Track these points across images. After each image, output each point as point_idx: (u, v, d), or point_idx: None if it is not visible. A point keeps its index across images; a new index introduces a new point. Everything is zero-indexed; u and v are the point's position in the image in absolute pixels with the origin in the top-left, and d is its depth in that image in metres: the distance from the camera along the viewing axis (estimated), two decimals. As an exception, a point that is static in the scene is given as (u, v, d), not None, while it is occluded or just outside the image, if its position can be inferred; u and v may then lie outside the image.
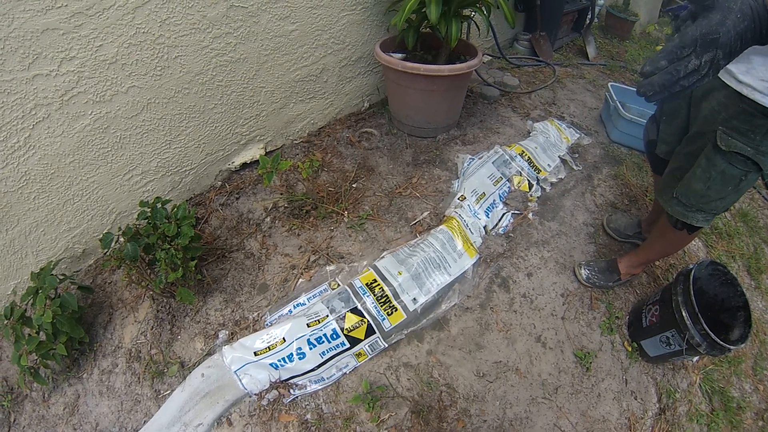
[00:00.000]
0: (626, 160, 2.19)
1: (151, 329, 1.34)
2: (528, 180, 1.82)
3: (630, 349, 1.41)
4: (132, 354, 1.31)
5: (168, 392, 1.24)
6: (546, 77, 2.83)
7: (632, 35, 4.03)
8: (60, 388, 1.27)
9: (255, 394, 1.23)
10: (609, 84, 2.39)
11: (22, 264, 1.34)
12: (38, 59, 1.11)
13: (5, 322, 1.17)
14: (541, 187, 1.84)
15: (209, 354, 1.29)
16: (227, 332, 1.33)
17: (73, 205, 1.36)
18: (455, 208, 1.60)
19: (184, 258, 1.24)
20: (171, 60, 1.34)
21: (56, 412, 1.24)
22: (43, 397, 1.26)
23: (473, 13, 1.95)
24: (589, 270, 1.53)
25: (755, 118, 0.90)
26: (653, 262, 1.63)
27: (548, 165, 1.91)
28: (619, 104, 2.19)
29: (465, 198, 1.62)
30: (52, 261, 1.29)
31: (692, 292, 1.17)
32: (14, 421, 1.24)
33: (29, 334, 1.19)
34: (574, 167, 2.01)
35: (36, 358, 1.20)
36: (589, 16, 3.37)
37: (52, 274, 1.23)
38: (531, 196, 1.77)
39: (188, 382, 1.23)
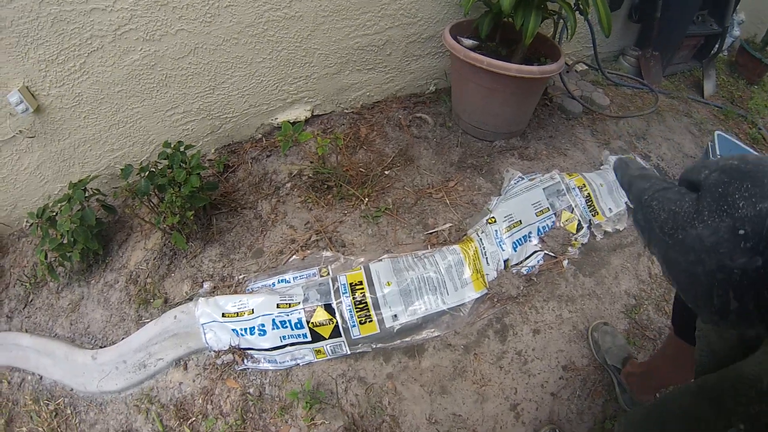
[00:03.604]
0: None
1: (153, 259, 1.30)
2: (579, 219, 1.40)
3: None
4: (132, 276, 1.28)
5: (148, 320, 1.20)
6: (645, 105, 2.20)
7: (764, 81, 2.97)
8: (71, 286, 1.30)
9: (214, 351, 1.14)
10: (716, 133, 1.75)
11: (69, 171, 1.37)
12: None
13: (36, 220, 1.18)
14: (592, 232, 1.41)
15: (191, 299, 1.21)
16: (211, 285, 1.23)
17: (117, 130, 1.33)
18: (479, 229, 1.28)
19: (183, 206, 1.13)
20: (222, 8, 1.20)
21: (62, 305, 1.27)
22: (57, 290, 1.31)
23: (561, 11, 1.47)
24: (605, 332, 1.14)
25: None
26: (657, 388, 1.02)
27: (609, 209, 1.45)
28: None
29: (494, 221, 1.29)
30: (91, 174, 1.28)
31: None
32: (30, 300, 1.31)
33: (54, 236, 1.19)
34: (643, 220, 1.50)
35: (55, 256, 1.21)
36: (716, 46, 2.51)
37: (83, 189, 1.21)
38: (575, 240, 1.36)
39: (163, 318, 1.18)
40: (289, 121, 1.65)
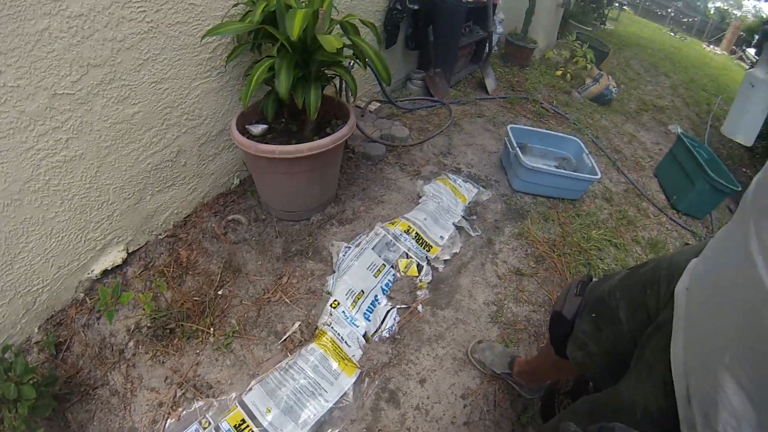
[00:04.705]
0: (531, 212, 2.50)
1: None
2: (417, 261, 2.01)
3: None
4: None
5: None
6: (441, 120, 3.16)
7: (532, 62, 4.63)
8: None
9: None
10: (508, 127, 2.74)
11: None
12: None
13: None
14: (433, 267, 2.03)
15: None
16: None
17: None
18: (328, 319, 1.73)
19: (30, 426, 1.26)
20: (-12, 171, 1.40)
21: None
22: None
23: (352, 63, 2.09)
24: (482, 349, 1.73)
25: None
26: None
27: (441, 237, 2.13)
28: (519, 152, 2.52)
29: (338, 304, 1.76)
30: None
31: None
32: None
33: None
34: (472, 233, 2.25)
35: None
36: (487, 48, 3.83)
37: None
38: (420, 281, 1.96)
39: None
40: (107, 269, 1.88)
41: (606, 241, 2.59)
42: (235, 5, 1.90)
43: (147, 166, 1.89)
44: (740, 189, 3.02)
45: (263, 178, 2.07)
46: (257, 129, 2.03)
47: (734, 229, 0.66)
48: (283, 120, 2.18)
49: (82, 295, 1.85)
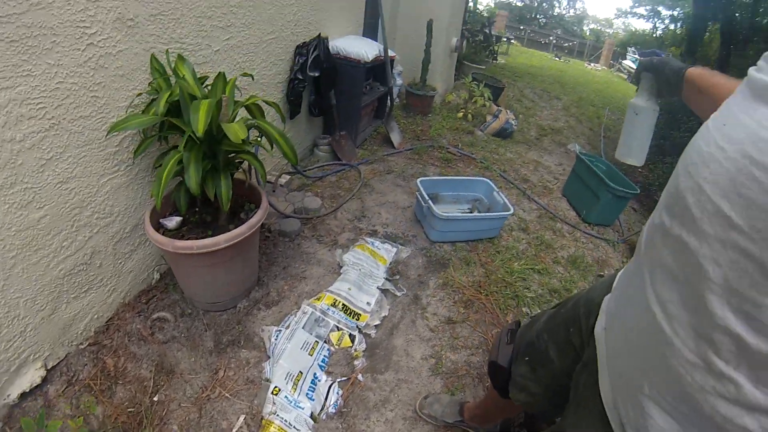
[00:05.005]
0: (452, 260, 2.86)
1: None
2: (349, 332, 2.25)
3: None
4: None
5: None
6: (352, 183, 3.53)
7: (434, 108, 5.28)
8: None
9: None
10: (417, 181, 3.15)
11: None
12: None
13: None
14: (365, 335, 2.29)
15: None
16: None
17: None
18: (272, 407, 1.91)
19: None
20: None
21: None
22: None
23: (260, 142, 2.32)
24: (430, 403, 1.97)
25: None
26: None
27: (367, 304, 2.40)
28: (432, 204, 2.89)
29: (279, 390, 1.95)
30: None
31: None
32: None
33: None
34: (398, 293, 2.55)
35: None
36: (388, 102, 4.34)
37: None
38: (356, 351, 2.20)
39: None
40: (26, 391, 1.87)
41: (529, 270, 3.01)
42: (139, 95, 2.06)
43: (59, 273, 1.95)
44: (639, 191, 3.72)
45: (184, 272, 2.24)
46: (171, 222, 2.20)
47: (633, 273, 0.81)
48: (197, 210, 2.34)
49: (0, 424, 1.84)
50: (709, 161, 0.61)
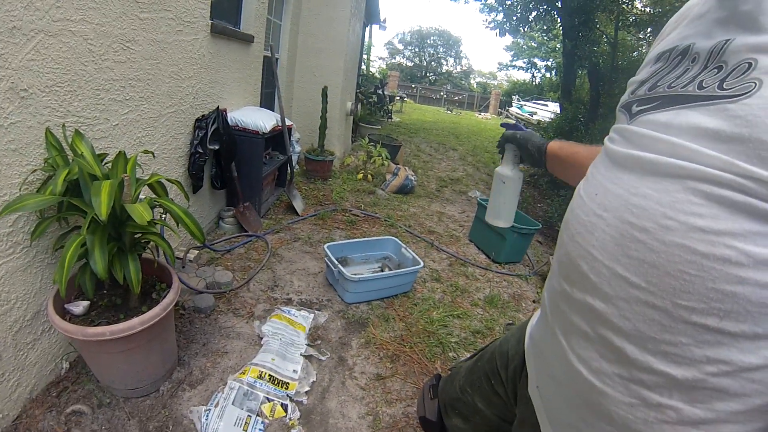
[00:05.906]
0: (370, 318, 3.04)
1: None
2: (280, 402, 2.32)
3: None
4: None
5: None
6: (260, 254, 3.64)
7: (334, 172, 5.62)
8: None
9: None
10: (325, 247, 3.33)
11: None
12: None
13: None
14: (297, 402, 2.37)
15: None
16: None
17: None
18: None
19: None
20: None
21: None
22: None
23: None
24: None
25: None
26: None
27: (294, 372, 2.49)
28: (342, 268, 3.07)
29: (213, 475, 1.96)
30: None
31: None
32: None
33: None
34: (322, 358, 2.66)
35: None
36: (288, 171, 4.56)
37: None
38: (291, 420, 2.26)
39: None
40: None
41: (448, 316, 3.26)
42: (33, 171, 1.97)
43: (-50, 372, 1.82)
44: (541, 225, 4.27)
45: (97, 360, 2.17)
46: (78, 308, 2.11)
47: (547, 335, 0.85)
48: (105, 292, 2.28)
49: None
50: (592, 229, 0.68)
